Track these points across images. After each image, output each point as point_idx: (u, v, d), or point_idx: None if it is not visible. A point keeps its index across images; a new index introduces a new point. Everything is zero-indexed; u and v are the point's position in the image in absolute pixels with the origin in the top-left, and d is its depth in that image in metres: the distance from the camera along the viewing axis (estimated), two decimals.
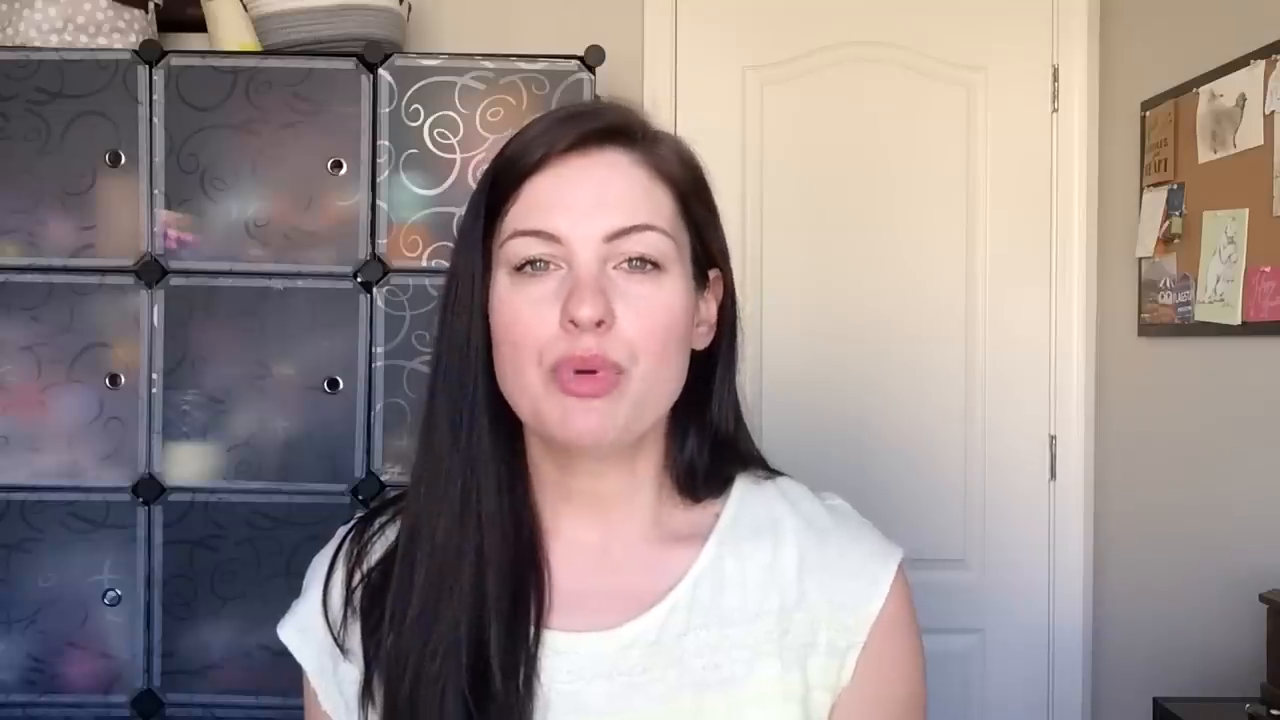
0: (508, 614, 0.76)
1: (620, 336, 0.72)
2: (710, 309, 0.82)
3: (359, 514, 0.87)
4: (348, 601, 0.81)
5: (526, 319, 0.73)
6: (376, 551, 0.83)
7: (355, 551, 0.83)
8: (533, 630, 0.76)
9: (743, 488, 0.84)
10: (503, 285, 0.75)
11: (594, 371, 0.72)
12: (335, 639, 0.81)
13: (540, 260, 0.73)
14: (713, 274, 0.82)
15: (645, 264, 0.74)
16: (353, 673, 0.80)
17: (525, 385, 0.74)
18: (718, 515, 0.82)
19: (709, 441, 0.82)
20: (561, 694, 0.76)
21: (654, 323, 0.73)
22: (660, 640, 0.77)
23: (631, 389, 0.73)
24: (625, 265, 0.73)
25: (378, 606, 0.79)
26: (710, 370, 0.82)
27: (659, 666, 0.76)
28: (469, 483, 0.78)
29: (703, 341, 0.81)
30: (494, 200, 0.75)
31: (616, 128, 0.75)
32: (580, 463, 0.79)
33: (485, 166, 0.78)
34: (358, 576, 0.82)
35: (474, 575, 0.77)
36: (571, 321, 0.71)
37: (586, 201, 0.72)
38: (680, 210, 0.77)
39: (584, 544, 0.81)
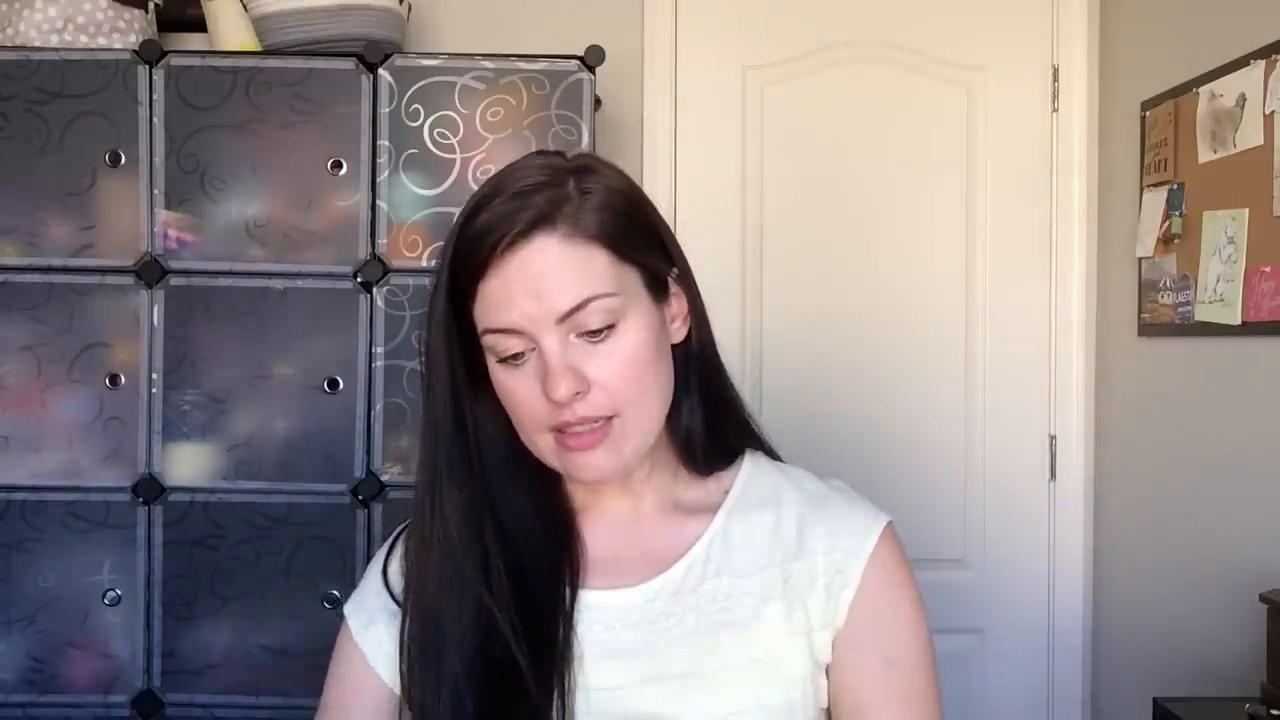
0: (549, 578, 0.88)
1: (600, 394, 0.82)
2: (681, 303, 0.91)
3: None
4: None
5: (520, 397, 0.84)
6: None
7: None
8: (569, 591, 0.88)
9: (750, 466, 0.95)
10: (494, 366, 0.85)
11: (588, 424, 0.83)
12: (397, 601, 0.92)
13: (516, 354, 0.83)
14: (671, 276, 0.89)
15: (600, 330, 0.82)
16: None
17: (534, 444, 0.86)
18: (727, 491, 0.93)
19: (702, 411, 0.92)
20: (596, 642, 0.87)
21: (626, 371, 0.83)
22: (680, 591, 0.88)
23: (626, 428, 0.84)
24: (586, 335, 0.82)
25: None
26: (690, 351, 0.92)
27: (679, 613, 0.87)
28: (488, 483, 0.90)
29: (681, 334, 0.91)
30: (459, 297, 0.85)
31: (539, 218, 0.81)
32: None
33: (442, 248, 0.87)
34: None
35: (505, 553, 0.88)
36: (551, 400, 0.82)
37: (530, 294, 0.81)
38: (617, 258, 0.84)
39: (612, 519, 0.93)
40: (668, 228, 0.90)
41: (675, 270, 0.90)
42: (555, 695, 0.84)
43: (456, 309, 0.85)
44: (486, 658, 0.85)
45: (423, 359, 0.89)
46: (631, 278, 0.85)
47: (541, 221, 0.81)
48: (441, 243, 0.89)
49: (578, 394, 0.81)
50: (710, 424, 0.93)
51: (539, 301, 0.81)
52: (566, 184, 0.83)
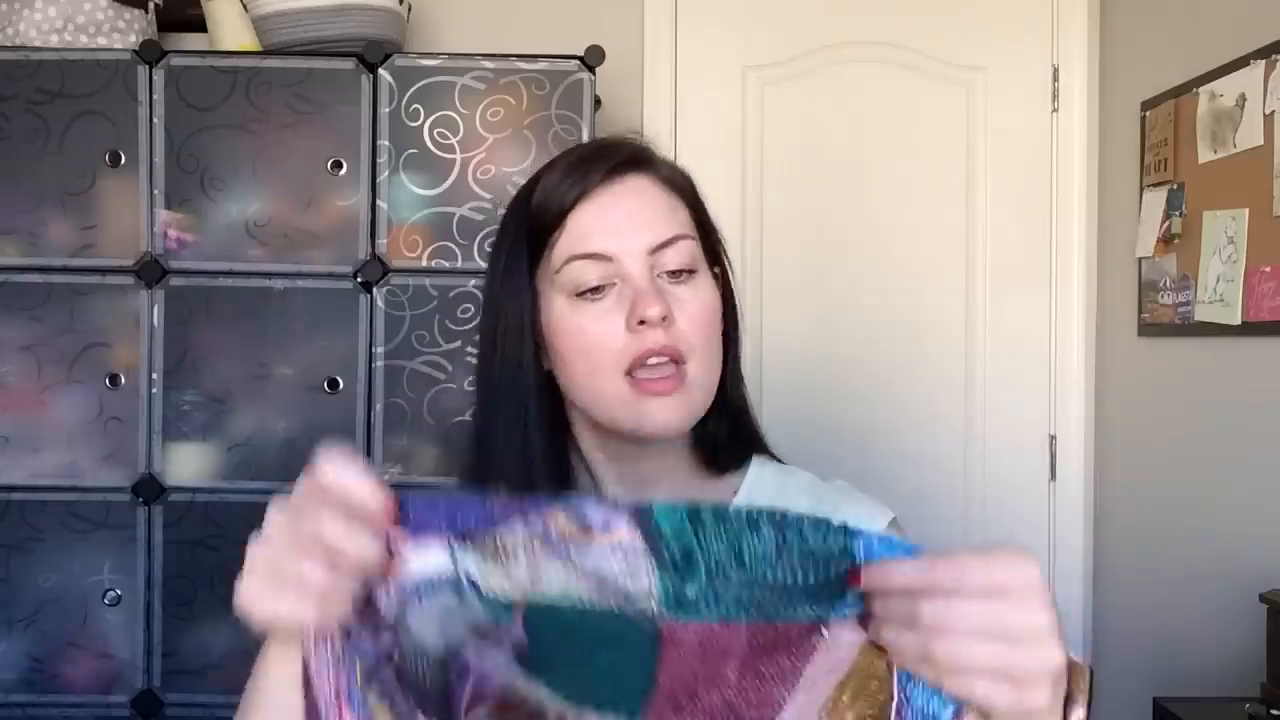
0: None
1: (680, 332, 0.83)
2: (720, 299, 0.92)
3: None
4: None
5: (595, 332, 0.83)
6: None
7: None
8: None
9: (757, 470, 0.95)
10: (562, 309, 0.84)
11: (665, 361, 0.82)
12: None
13: (595, 288, 0.83)
14: (716, 269, 0.92)
15: (682, 272, 0.85)
16: None
17: (601, 390, 0.84)
18: (735, 493, 0.93)
19: (727, 418, 0.92)
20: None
21: (701, 319, 0.85)
22: None
23: (694, 379, 0.84)
24: (668, 275, 0.84)
25: None
26: (725, 352, 0.92)
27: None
28: (525, 476, 0.87)
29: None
30: (538, 235, 0.86)
31: (636, 157, 0.86)
32: (633, 449, 0.88)
33: (510, 204, 0.89)
34: None
35: None
36: (642, 321, 0.81)
37: (627, 223, 0.84)
38: (693, 216, 0.88)
39: None
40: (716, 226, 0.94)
41: (718, 268, 0.92)
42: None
43: (532, 258, 0.86)
44: None
45: (487, 308, 0.89)
46: (699, 241, 0.88)
47: (638, 161, 0.86)
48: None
49: (665, 319, 0.82)
50: (732, 431, 0.93)
51: (635, 230, 0.83)
52: (649, 151, 0.88)
